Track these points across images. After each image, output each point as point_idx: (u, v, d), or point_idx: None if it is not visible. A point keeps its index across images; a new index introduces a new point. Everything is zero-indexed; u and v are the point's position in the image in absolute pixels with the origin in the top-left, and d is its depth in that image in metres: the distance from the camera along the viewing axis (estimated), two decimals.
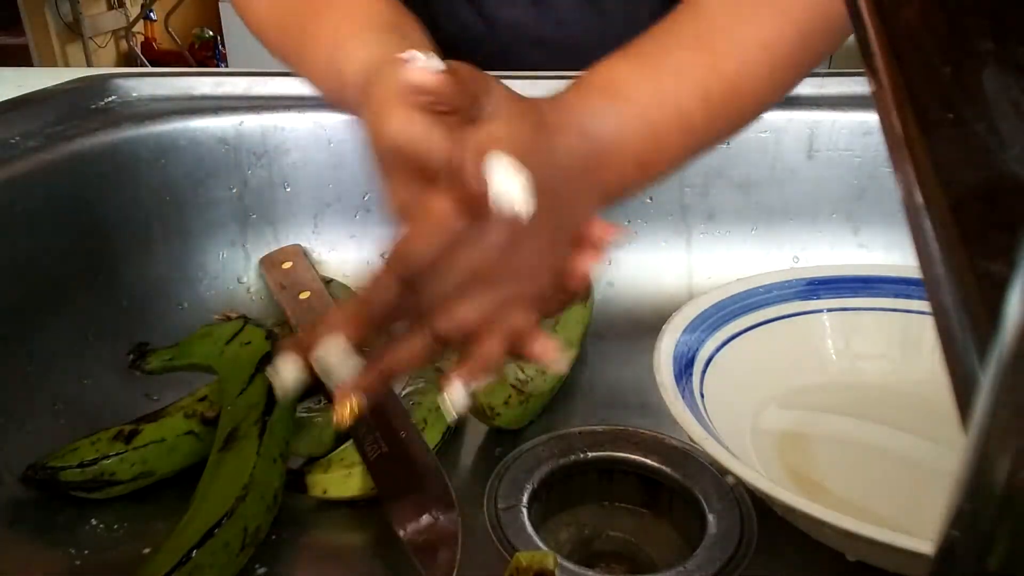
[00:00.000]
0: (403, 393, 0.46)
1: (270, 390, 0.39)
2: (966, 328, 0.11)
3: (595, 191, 0.38)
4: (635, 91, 0.40)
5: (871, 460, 0.43)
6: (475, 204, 0.31)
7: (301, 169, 0.60)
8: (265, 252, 0.60)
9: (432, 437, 0.43)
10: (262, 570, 0.37)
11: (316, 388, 0.47)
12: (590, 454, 0.44)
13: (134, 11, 3.38)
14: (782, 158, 0.60)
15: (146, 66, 3.16)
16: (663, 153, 0.41)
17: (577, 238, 0.36)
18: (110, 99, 0.63)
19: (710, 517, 0.40)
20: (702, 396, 0.42)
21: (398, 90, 0.32)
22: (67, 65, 3.02)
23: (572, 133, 0.37)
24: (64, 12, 3.00)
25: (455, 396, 0.33)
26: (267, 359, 0.41)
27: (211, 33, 3.56)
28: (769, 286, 0.49)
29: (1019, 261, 0.10)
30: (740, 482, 0.40)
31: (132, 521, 0.40)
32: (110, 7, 3.31)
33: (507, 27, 0.66)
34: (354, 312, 0.33)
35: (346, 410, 0.32)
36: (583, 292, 0.37)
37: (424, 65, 0.32)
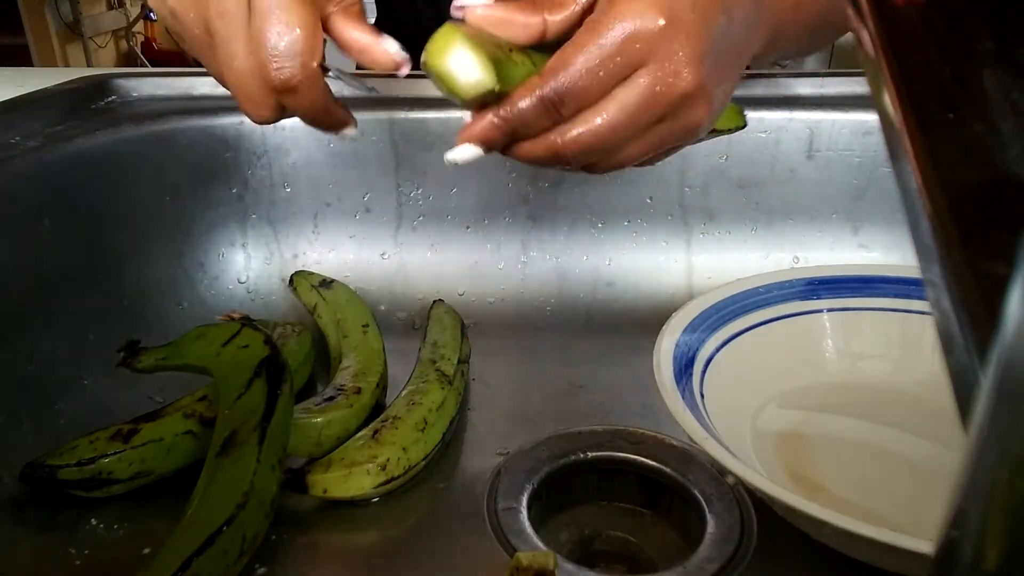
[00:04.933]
0: (403, 393, 0.46)
1: (269, 395, 0.39)
2: (966, 328, 0.11)
3: (759, 29, 0.37)
4: None
5: (871, 460, 0.43)
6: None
7: (301, 169, 0.60)
8: (265, 252, 0.60)
9: (432, 437, 0.43)
10: (262, 570, 0.37)
11: (313, 389, 0.47)
12: (590, 454, 0.44)
13: (134, 11, 3.38)
14: (782, 158, 0.60)
15: (146, 66, 3.16)
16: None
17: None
18: (110, 99, 0.63)
19: (710, 517, 0.40)
20: (702, 396, 0.42)
21: None
22: (67, 65, 3.02)
23: None
24: (64, 12, 3.00)
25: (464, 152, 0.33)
26: (265, 363, 0.41)
27: None
28: (769, 286, 0.49)
29: (1019, 261, 0.10)
30: (740, 482, 0.40)
31: (132, 521, 0.40)
32: (110, 7, 3.31)
33: None
34: (505, 131, 0.33)
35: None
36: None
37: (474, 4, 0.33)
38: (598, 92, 0.32)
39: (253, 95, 0.34)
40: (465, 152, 0.33)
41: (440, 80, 0.31)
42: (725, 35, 0.34)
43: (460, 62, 0.31)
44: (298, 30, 0.33)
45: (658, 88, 0.32)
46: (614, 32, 0.31)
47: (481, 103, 0.32)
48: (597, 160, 0.35)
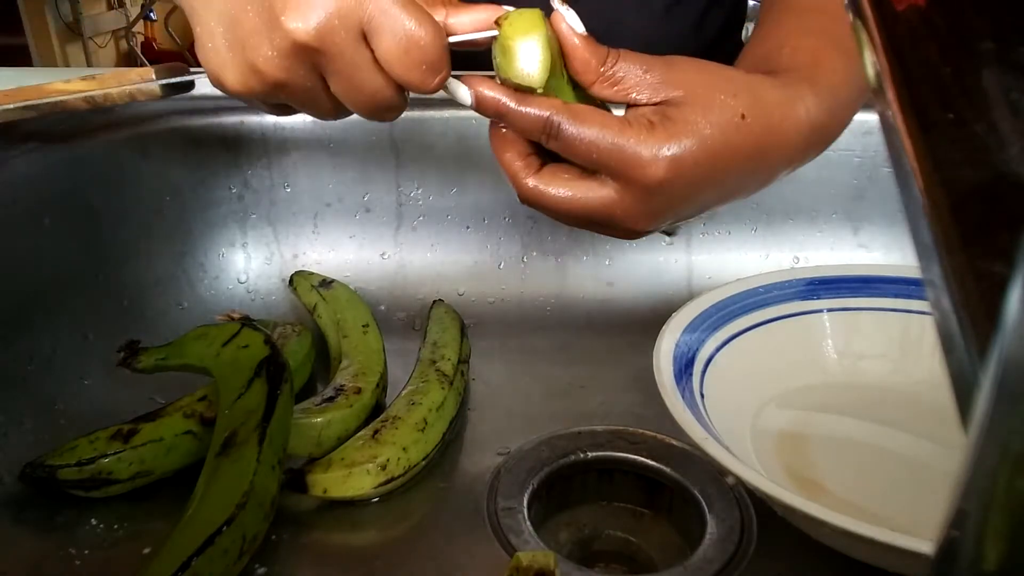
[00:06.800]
0: (403, 393, 0.46)
1: (269, 396, 0.39)
2: (966, 328, 0.11)
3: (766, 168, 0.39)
4: (831, 74, 0.41)
5: (871, 460, 0.43)
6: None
7: (301, 169, 0.60)
8: (265, 252, 0.60)
9: (432, 437, 0.43)
10: (262, 570, 0.37)
11: (313, 389, 0.47)
12: (590, 454, 0.44)
13: (134, 11, 3.38)
14: None
15: (146, 66, 3.15)
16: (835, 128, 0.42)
17: None
18: None
19: (710, 517, 0.40)
20: (702, 396, 0.42)
21: None
22: (67, 65, 3.02)
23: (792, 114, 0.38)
24: (64, 12, 2.99)
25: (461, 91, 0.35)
26: (265, 363, 0.41)
27: None
28: (769, 286, 0.49)
29: (1019, 261, 0.10)
30: (740, 482, 0.40)
31: (132, 521, 0.40)
32: (110, 7, 3.31)
33: None
34: (502, 113, 0.35)
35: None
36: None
37: (571, 21, 0.35)
38: (581, 157, 0.35)
39: (394, 102, 0.36)
40: (460, 91, 0.35)
41: (502, 51, 0.34)
42: (707, 202, 0.37)
43: (528, 53, 0.33)
44: (425, 32, 0.33)
45: (617, 211, 0.36)
46: (626, 141, 0.34)
47: (515, 87, 0.34)
48: (539, 208, 0.38)
